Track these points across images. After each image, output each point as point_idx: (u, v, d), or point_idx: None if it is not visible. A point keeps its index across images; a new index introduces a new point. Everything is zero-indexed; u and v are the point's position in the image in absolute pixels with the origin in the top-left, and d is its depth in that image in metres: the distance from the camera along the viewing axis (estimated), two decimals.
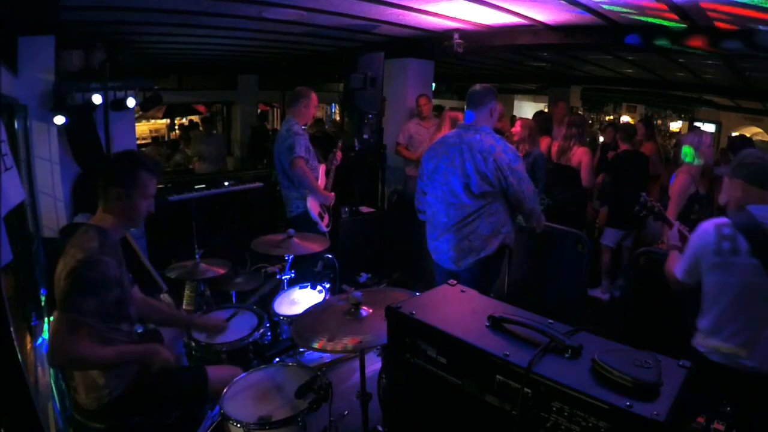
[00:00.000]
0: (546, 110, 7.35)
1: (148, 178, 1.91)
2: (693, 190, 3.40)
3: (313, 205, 3.79)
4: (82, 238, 1.80)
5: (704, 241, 1.99)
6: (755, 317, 1.91)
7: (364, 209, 5.28)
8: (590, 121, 9.41)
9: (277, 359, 2.39)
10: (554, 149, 4.69)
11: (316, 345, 1.71)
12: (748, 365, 1.92)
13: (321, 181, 3.92)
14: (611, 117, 13.10)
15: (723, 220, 1.98)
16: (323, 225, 3.90)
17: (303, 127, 3.80)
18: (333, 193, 3.96)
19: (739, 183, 2.01)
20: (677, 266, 2.13)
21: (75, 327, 1.66)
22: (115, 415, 1.87)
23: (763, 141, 9.69)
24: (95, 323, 1.71)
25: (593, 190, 4.86)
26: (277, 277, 3.16)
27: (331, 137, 8.13)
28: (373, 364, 2.00)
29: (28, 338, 2.76)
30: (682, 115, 12.74)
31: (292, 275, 3.15)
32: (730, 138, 5.26)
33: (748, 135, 7.94)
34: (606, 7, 3.51)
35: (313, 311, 2.01)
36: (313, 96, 3.82)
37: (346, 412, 1.91)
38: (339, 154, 4.08)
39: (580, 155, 4.44)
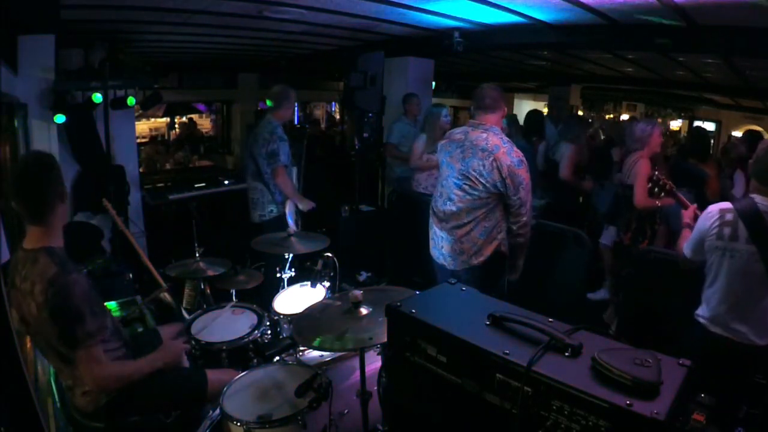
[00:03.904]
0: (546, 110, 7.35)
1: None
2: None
3: (291, 212, 3.70)
4: (35, 269, 1.68)
5: (708, 225, 2.08)
6: (748, 299, 2.00)
7: (364, 208, 5.28)
8: (590, 120, 9.41)
9: (277, 358, 2.39)
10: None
11: (316, 344, 1.71)
12: (740, 330, 2.01)
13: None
14: (611, 116, 13.09)
15: (727, 205, 2.06)
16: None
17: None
18: (313, 202, 3.77)
19: (745, 177, 2.18)
20: (686, 245, 2.24)
21: (94, 354, 1.72)
22: (113, 416, 1.87)
23: None
24: (105, 337, 1.79)
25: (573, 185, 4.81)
26: (277, 275, 3.16)
27: (331, 137, 8.14)
28: (373, 362, 2.00)
29: (28, 337, 2.75)
30: (682, 114, 12.73)
31: (292, 274, 3.15)
32: (745, 133, 5.29)
33: None
34: (606, 5, 3.51)
35: (313, 310, 2.01)
36: (294, 95, 3.71)
37: (345, 411, 1.91)
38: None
39: (564, 149, 4.65)
